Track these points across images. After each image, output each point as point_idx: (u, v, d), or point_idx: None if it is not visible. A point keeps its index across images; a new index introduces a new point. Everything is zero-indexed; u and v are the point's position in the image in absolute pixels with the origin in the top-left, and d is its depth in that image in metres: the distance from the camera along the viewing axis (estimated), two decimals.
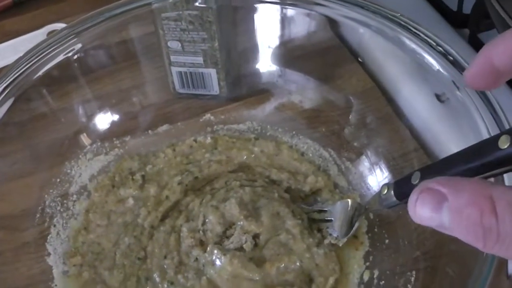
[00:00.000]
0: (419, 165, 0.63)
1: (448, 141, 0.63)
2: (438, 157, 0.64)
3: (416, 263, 0.56)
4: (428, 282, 0.54)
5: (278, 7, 0.68)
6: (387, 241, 0.60)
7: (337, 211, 0.61)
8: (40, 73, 0.64)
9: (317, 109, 0.71)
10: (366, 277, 0.58)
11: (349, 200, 0.61)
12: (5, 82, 0.61)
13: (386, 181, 0.64)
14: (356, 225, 0.59)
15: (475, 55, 0.64)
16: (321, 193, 0.66)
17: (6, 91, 0.61)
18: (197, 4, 0.66)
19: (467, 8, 0.81)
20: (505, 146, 0.36)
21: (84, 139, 0.69)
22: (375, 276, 0.58)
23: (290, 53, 0.73)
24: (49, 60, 0.64)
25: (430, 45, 0.59)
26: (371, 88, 0.71)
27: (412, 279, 0.55)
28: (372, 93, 0.71)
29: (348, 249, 0.61)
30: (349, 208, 0.60)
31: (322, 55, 0.73)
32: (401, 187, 0.49)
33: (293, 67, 0.73)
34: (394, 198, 0.49)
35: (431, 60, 0.59)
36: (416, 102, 0.67)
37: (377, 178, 0.65)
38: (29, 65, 0.62)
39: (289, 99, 0.72)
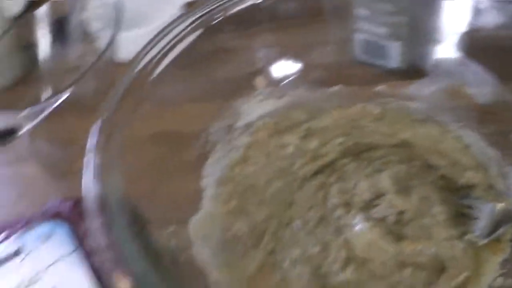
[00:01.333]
0: None
1: None
2: None
3: None
4: None
5: None
6: None
7: (486, 211, 0.61)
8: (231, 11, 0.69)
9: (490, 106, 0.71)
10: (498, 283, 0.59)
11: (502, 204, 0.61)
12: (199, 13, 0.67)
13: None
14: (501, 230, 0.60)
15: None
16: (475, 190, 0.66)
17: (198, 21, 0.68)
18: None
19: None
20: None
21: (259, 81, 0.73)
22: (508, 283, 0.59)
23: (477, 43, 0.73)
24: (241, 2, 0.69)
25: None
26: None
27: None
28: None
29: (487, 252, 0.61)
30: (498, 212, 0.60)
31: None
32: None
33: (476, 58, 0.72)
34: None
35: None
36: None
37: None
38: (223, 2, 0.68)
39: (464, 89, 0.72)
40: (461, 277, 0.59)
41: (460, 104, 0.72)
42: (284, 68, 0.74)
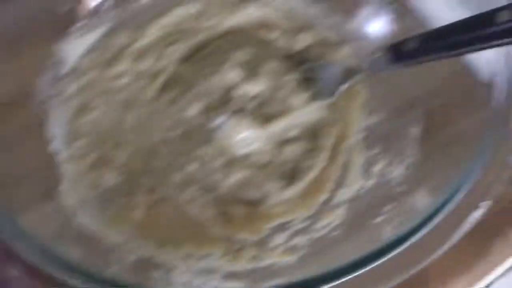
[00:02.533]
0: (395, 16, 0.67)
1: None
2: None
3: (416, 103, 0.61)
4: (432, 120, 0.59)
5: None
6: (383, 86, 0.63)
7: (326, 71, 0.64)
8: None
9: None
10: (368, 122, 0.63)
11: (339, 62, 0.65)
12: None
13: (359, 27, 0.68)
14: (344, 87, 0.62)
15: None
16: (312, 49, 0.69)
17: None
18: None
19: None
20: (504, 20, 0.40)
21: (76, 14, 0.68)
22: (377, 120, 0.63)
23: None
24: None
25: None
26: None
27: (417, 118, 0.59)
28: None
29: (347, 100, 0.65)
30: (338, 70, 0.63)
31: None
32: (396, 53, 0.53)
33: None
34: (388, 63, 0.53)
35: None
36: None
37: (363, 26, 0.68)
38: None
39: None
40: (335, 131, 0.63)
41: None
42: None
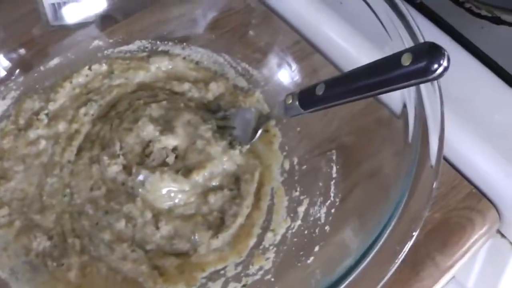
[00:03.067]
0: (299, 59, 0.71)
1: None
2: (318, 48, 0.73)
3: (331, 142, 0.64)
4: (349, 157, 0.63)
5: None
6: (298, 128, 0.67)
7: (240, 118, 0.67)
8: None
9: (200, 15, 0.75)
10: (286, 165, 0.66)
11: (252, 108, 0.67)
12: None
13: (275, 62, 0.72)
14: (259, 132, 0.65)
15: None
16: (224, 97, 0.72)
17: None
18: None
19: None
20: (408, 63, 0.43)
21: None
22: (295, 162, 0.66)
23: None
24: None
25: None
26: None
27: (334, 157, 0.63)
28: None
29: (263, 144, 0.68)
30: (252, 116, 0.66)
31: None
32: (306, 99, 0.56)
33: None
34: (300, 108, 0.56)
35: None
36: None
37: (271, 71, 0.72)
38: None
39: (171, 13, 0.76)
40: (255, 177, 0.65)
41: (175, 25, 0.75)
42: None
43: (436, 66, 0.42)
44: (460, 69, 0.59)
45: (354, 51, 0.69)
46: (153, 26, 0.75)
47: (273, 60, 0.72)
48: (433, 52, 0.42)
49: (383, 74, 0.47)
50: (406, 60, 0.44)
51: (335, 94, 0.53)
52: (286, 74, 0.71)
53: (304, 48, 0.73)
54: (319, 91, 0.53)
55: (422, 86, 0.54)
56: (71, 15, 0.74)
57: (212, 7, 0.75)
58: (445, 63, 0.42)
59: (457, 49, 0.69)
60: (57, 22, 0.74)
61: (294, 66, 0.71)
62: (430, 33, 0.68)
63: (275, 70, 0.72)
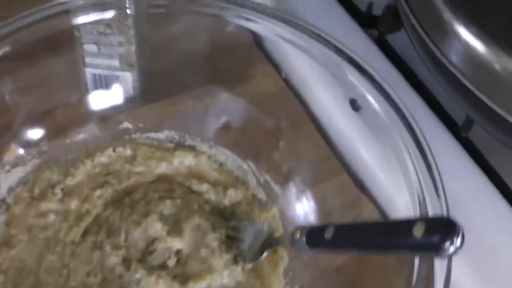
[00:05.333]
0: (330, 175, 0.71)
1: (363, 150, 0.71)
2: (350, 166, 0.73)
3: (337, 274, 0.64)
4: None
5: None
6: (306, 257, 0.67)
7: (251, 233, 0.67)
8: None
9: (231, 116, 0.76)
10: None
11: (265, 226, 0.68)
12: None
13: (297, 191, 0.72)
14: (265, 254, 0.65)
15: (382, 57, 0.72)
16: (240, 205, 0.72)
17: None
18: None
19: (377, 10, 0.87)
20: (419, 235, 0.43)
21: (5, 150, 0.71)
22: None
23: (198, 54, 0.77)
24: None
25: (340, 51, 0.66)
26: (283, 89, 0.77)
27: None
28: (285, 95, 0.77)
29: (268, 264, 0.68)
30: (263, 234, 0.66)
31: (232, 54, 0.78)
32: (314, 238, 0.55)
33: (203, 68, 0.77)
34: (306, 246, 0.56)
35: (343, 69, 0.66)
36: (329, 108, 0.74)
37: (294, 192, 0.72)
38: None
39: (203, 104, 0.77)
40: None
41: (207, 124, 0.76)
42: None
43: (447, 244, 0.41)
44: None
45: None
46: (184, 115, 0.76)
47: (297, 178, 0.71)
48: (447, 229, 0.41)
49: (393, 237, 0.46)
50: (417, 230, 0.43)
51: (342, 242, 0.53)
52: (307, 196, 0.71)
53: (333, 167, 0.72)
54: (328, 234, 0.53)
55: None
56: (110, 89, 0.75)
57: (248, 108, 0.75)
58: (458, 243, 0.41)
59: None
60: (96, 92, 0.76)
61: (317, 188, 0.71)
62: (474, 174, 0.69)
63: (297, 189, 0.72)
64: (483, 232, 0.65)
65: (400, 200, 0.62)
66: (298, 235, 0.57)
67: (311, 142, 0.75)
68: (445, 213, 0.54)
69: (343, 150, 0.74)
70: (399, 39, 0.84)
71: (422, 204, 0.56)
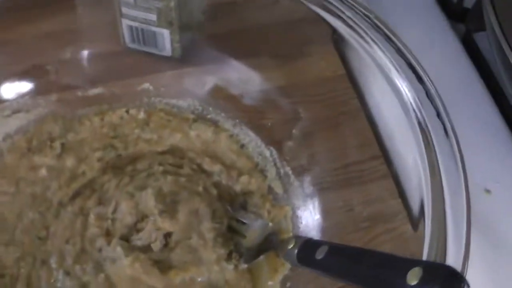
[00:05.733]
0: (372, 178, 0.61)
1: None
2: (396, 168, 0.61)
3: None
4: None
5: None
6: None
7: (255, 230, 0.58)
8: None
9: (270, 95, 0.67)
10: None
11: (270, 224, 0.59)
12: None
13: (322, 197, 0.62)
14: (261, 257, 0.57)
15: (465, 57, 0.61)
16: (253, 196, 0.63)
17: None
18: None
19: (468, 3, 0.75)
20: (414, 283, 0.35)
21: (4, 91, 0.66)
22: None
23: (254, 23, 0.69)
24: None
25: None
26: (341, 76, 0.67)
27: None
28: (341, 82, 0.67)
29: (267, 268, 0.59)
30: (266, 233, 0.58)
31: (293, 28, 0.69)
32: (305, 253, 0.49)
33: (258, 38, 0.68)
34: (295, 259, 0.49)
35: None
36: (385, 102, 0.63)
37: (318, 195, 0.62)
38: None
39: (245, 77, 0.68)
40: None
41: (230, 103, 0.68)
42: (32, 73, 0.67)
43: None
44: None
45: None
46: (216, 88, 0.68)
47: (326, 177, 0.62)
48: (449, 280, 0.34)
49: (383, 277, 0.39)
50: (413, 276, 0.35)
51: (331, 266, 0.46)
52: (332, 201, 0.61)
53: (377, 169, 0.62)
54: (320, 254, 0.46)
55: None
56: (146, 44, 0.68)
57: (295, 89, 0.66)
58: None
59: None
60: (133, 46, 0.69)
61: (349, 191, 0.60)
62: None
63: (322, 190, 0.63)
64: None
65: None
66: (291, 245, 0.51)
67: (359, 138, 0.64)
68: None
69: (393, 153, 0.62)
70: (485, 39, 0.72)
71: None
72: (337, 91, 0.67)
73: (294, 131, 0.65)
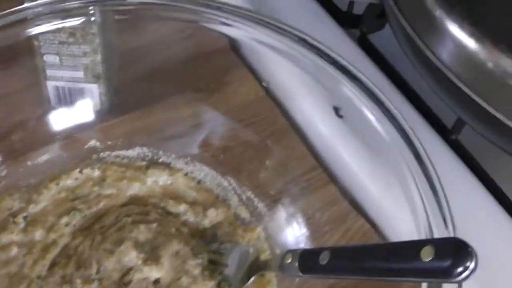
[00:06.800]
0: (316, 186, 0.67)
1: (351, 159, 0.66)
2: (338, 177, 0.68)
3: None
4: None
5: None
6: (297, 279, 0.61)
7: (235, 257, 0.62)
8: None
9: (208, 128, 0.71)
10: None
11: (250, 249, 0.63)
12: None
13: (284, 216, 0.67)
14: (251, 279, 0.60)
15: (364, 57, 0.67)
16: (222, 226, 0.67)
17: None
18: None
19: (358, 10, 0.83)
20: (428, 259, 0.39)
21: None
22: None
23: (170, 62, 0.72)
24: None
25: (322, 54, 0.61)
26: (263, 97, 0.72)
27: None
28: (265, 104, 0.72)
29: None
30: (248, 258, 0.61)
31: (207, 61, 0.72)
32: (307, 263, 0.51)
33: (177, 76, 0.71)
34: (298, 271, 0.51)
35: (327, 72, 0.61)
36: (313, 116, 0.69)
37: (284, 215, 0.67)
38: None
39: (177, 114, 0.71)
40: None
41: (181, 138, 0.70)
42: None
43: (461, 269, 0.37)
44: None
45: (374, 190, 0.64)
46: (157, 128, 0.70)
47: (286, 199, 0.66)
48: (459, 252, 0.38)
49: (397, 262, 0.42)
50: (426, 254, 0.39)
51: (340, 268, 0.48)
52: (294, 213, 0.66)
53: (320, 177, 0.67)
54: (323, 260, 0.48)
55: None
56: (74, 103, 0.69)
57: (226, 118, 0.70)
58: (472, 266, 0.37)
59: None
60: (60, 107, 0.70)
61: (304, 201, 0.65)
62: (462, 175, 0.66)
63: (280, 211, 0.66)
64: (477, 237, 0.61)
65: (394, 211, 0.59)
66: (289, 260, 0.53)
67: (295, 152, 0.69)
68: (451, 232, 0.50)
69: (329, 160, 0.69)
70: (381, 39, 0.80)
71: (423, 221, 0.52)
72: (262, 114, 0.71)
73: (239, 158, 0.69)
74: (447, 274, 0.38)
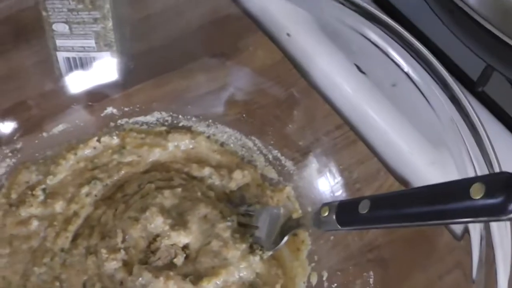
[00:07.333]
0: (343, 144, 0.64)
1: (378, 117, 0.63)
2: (363, 135, 0.65)
3: (368, 253, 0.57)
4: (389, 278, 0.55)
5: None
6: (332, 237, 0.60)
7: (265, 218, 0.59)
8: None
9: (228, 90, 0.69)
10: (314, 279, 0.59)
11: (281, 209, 0.60)
12: None
13: (316, 167, 0.64)
14: (285, 239, 0.57)
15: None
16: (249, 188, 0.65)
17: None
18: None
19: None
20: (478, 197, 0.36)
21: None
22: (324, 277, 0.59)
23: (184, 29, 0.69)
24: None
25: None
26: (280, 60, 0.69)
27: (371, 280, 0.56)
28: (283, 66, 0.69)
29: (289, 251, 0.61)
30: (279, 218, 0.58)
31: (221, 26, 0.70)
32: (346, 215, 0.48)
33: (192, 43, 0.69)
34: (337, 224, 0.49)
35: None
36: (334, 74, 0.67)
37: (310, 166, 0.64)
38: None
39: (195, 81, 0.69)
40: None
41: (201, 98, 0.68)
42: None
43: None
44: None
45: (405, 146, 0.61)
46: (176, 95, 0.67)
47: (310, 149, 0.63)
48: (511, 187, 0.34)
49: (445, 203, 0.39)
50: (476, 192, 0.36)
51: (381, 216, 0.45)
52: (327, 163, 0.64)
53: (347, 135, 0.65)
54: (363, 209, 0.45)
55: None
56: (87, 71, 0.66)
57: (245, 80, 0.67)
58: None
59: None
60: (72, 77, 0.67)
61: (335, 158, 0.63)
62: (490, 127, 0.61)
63: (312, 162, 0.64)
64: None
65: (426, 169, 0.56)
66: (325, 213, 0.50)
67: (319, 112, 0.67)
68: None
69: (356, 118, 0.66)
70: None
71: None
72: (281, 76, 0.69)
73: (262, 118, 0.67)
74: (499, 211, 0.35)
